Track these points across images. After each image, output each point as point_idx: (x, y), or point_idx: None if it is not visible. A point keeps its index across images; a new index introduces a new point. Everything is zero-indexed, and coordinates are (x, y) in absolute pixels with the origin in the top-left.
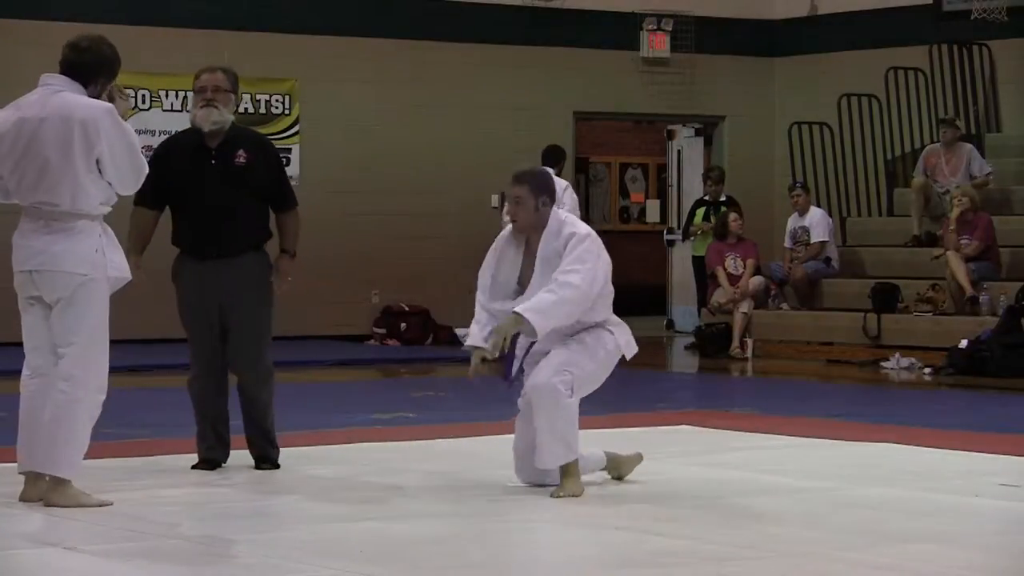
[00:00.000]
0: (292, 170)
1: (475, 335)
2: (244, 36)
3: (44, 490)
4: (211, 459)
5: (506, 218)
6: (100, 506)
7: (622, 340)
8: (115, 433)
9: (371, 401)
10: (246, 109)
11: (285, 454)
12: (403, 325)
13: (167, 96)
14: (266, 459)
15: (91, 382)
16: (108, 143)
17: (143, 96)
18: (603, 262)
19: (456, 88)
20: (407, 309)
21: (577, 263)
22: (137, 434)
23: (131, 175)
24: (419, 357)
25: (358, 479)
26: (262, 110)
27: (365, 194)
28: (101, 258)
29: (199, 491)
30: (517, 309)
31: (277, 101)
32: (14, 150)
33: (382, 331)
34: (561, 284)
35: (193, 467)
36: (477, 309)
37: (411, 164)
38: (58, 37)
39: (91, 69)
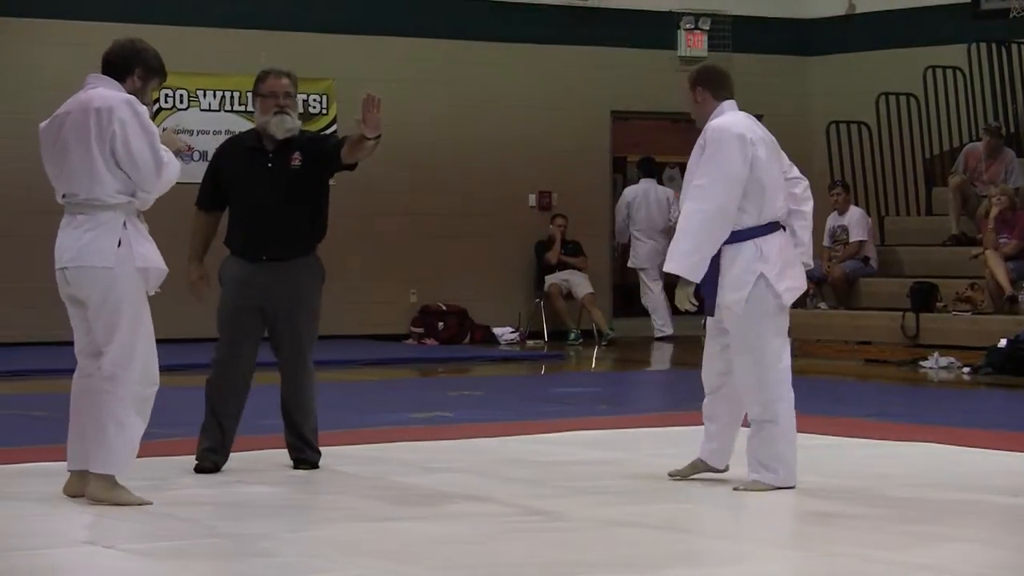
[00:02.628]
0: None
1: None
2: (281, 36)
3: (88, 485)
4: (208, 466)
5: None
6: (141, 504)
7: (781, 287)
8: (148, 432)
9: (408, 400)
10: None
11: (323, 452)
12: (441, 324)
13: (204, 96)
14: (305, 460)
15: (135, 378)
16: (122, 132)
17: (181, 96)
18: (726, 163)
19: (493, 87)
20: (445, 308)
21: (702, 174)
22: (171, 433)
23: (150, 170)
24: (456, 356)
25: (395, 478)
26: (299, 109)
27: (402, 193)
28: (126, 251)
29: (234, 490)
30: (666, 268)
31: (315, 101)
32: (49, 143)
33: (420, 330)
34: (685, 215)
35: (196, 469)
36: None
37: (449, 163)
38: (96, 37)
39: (124, 63)
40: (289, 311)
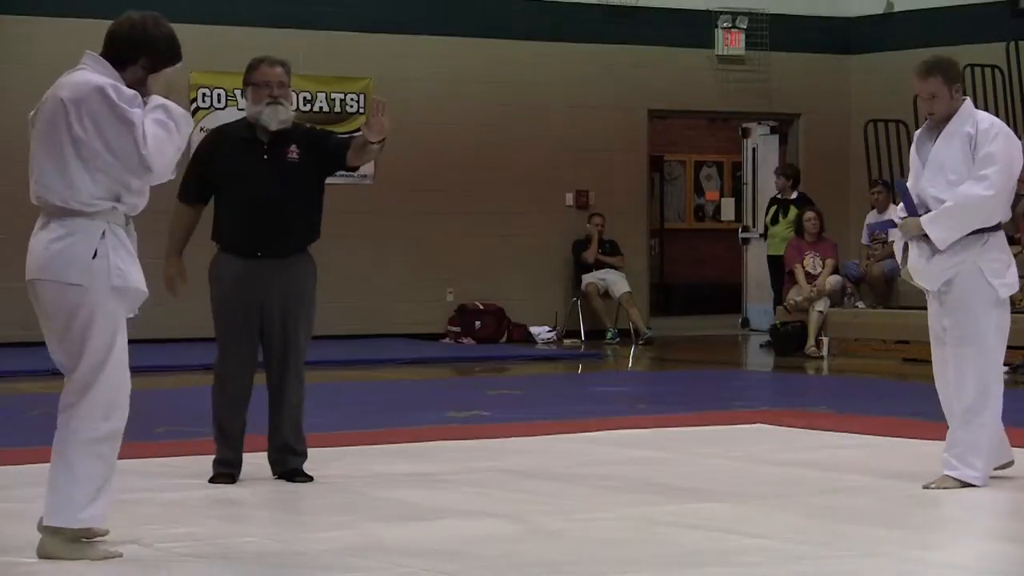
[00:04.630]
0: (367, 169)
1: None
2: (319, 35)
3: (42, 541)
4: (229, 474)
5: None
6: (105, 559)
7: (997, 281)
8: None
9: (446, 399)
10: (320, 108)
11: (361, 451)
12: (478, 323)
13: (242, 95)
14: (299, 472)
15: (94, 411)
16: (96, 127)
17: (219, 95)
18: (1014, 162)
19: (530, 86)
20: (482, 307)
21: (987, 164)
22: (196, 432)
23: (135, 168)
24: (493, 355)
25: (432, 477)
26: (336, 109)
27: (439, 192)
28: (101, 264)
29: (267, 489)
30: (923, 220)
31: (352, 100)
32: (32, 135)
33: (457, 329)
34: (966, 196)
35: (211, 480)
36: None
37: (486, 162)
38: None
39: (129, 48)
40: (286, 312)
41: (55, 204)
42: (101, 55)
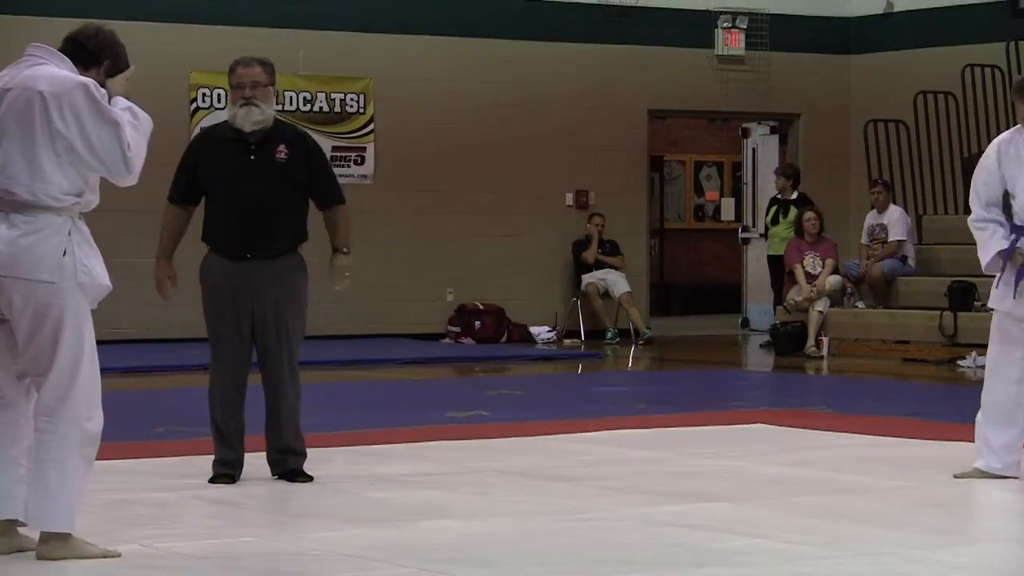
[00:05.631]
0: (366, 169)
1: (990, 247)
2: (319, 35)
3: (40, 545)
4: (229, 474)
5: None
6: (104, 557)
7: None
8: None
9: (445, 399)
10: (320, 108)
11: (361, 451)
12: (478, 323)
13: None
14: (299, 472)
15: (79, 412)
16: (78, 124)
17: (219, 96)
18: None
19: (530, 86)
20: (482, 307)
21: None
22: (196, 432)
23: (118, 165)
24: (493, 355)
25: (433, 478)
26: (336, 109)
27: (439, 192)
28: (69, 261)
29: (266, 490)
30: None
31: (352, 100)
32: None
33: (456, 329)
34: None
35: (211, 481)
36: (974, 224)
37: (485, 162)
38: (135, 37)
39: (96, 49)
40: (278, 313)
41: (21, 197)
42: (62, 52)
